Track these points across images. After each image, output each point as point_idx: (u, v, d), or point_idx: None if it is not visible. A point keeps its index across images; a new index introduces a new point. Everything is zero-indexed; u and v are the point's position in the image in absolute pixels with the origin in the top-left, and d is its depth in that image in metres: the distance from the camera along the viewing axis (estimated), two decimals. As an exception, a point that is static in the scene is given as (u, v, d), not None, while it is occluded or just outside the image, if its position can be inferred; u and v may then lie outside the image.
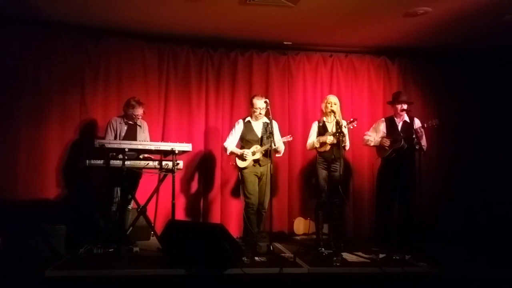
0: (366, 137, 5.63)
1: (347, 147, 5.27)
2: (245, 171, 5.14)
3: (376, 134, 5.58)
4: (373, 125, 5.74)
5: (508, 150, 6.58)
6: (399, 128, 5.47)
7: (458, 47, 6.42)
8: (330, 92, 6.28)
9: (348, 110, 6.45)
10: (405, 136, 5.28)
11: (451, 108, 6.65)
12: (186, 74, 6.27)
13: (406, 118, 5.49)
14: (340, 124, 5.00)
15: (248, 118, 5.31)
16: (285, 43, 6.40)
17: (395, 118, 5.54)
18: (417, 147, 5.26)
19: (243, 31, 5.96)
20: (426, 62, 6.79)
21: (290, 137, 5.35)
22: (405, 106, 5.43)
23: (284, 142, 5.31)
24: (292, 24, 5.61)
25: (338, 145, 5.00)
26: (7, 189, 5.39)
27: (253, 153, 5.12)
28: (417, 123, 5.42)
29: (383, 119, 5.71)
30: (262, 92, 6.16)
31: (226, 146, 5.27)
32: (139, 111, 5.12)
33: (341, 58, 6.70)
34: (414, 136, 5.22)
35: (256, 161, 5.14)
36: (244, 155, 5.10)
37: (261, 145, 5.16)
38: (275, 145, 5.02)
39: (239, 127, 5.29)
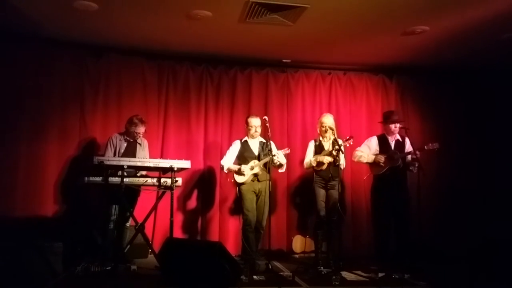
0: (358, 153, 5.53)
1: (343, 166, 5.19)
2: (243, 187, 5.13)
3: (369, 151, 5.55)
4: (365, 142, 5.68)
5: (507, 168, 6.57)
6: (392, 146, 5.45)
7: (455, 65, 6.47)
8: (329, 110, 6.33)
9: (347, 127, 6.50)
10: (402, 156, 5.28)
11: (449, 125, 6.68)
12: (186, 91, 6.29)
13: (399, 137, 5.50)
14: (337, 143, 4.99)
15: (245, 138, 5.35)
16: (284, 60, 6.45)
17: (388, 136, 5.53)
18: (412, 167, 5.25)
19: (242, 49, 6.01)
20: (424, 80, 6.84)
21: (288, 149, 5.28)
22: (398, 125, 5.43)
23: (284, 156, 5.27)
24: (291, 42, 5.66)
25: (335, 163, 5.01)
26: (5, 205, 5.36)
27: (252, 168, 5.12)
28: (408, 144, 5.41)
29: (375, 136, 5.67)
30: (261, 109, 6.24)
31: (223, 164, 5.27)
32: (141, 129, 5.14)
33: (340, 75, 6.75)
34: (413, 157, 5.21)
35: (255, 175, 5.13)
36: (242, 170, 5.10)
37: (259, 160, 5.16)
38: (276, 158, 5.01)
39: (236, 146, 5.33)
